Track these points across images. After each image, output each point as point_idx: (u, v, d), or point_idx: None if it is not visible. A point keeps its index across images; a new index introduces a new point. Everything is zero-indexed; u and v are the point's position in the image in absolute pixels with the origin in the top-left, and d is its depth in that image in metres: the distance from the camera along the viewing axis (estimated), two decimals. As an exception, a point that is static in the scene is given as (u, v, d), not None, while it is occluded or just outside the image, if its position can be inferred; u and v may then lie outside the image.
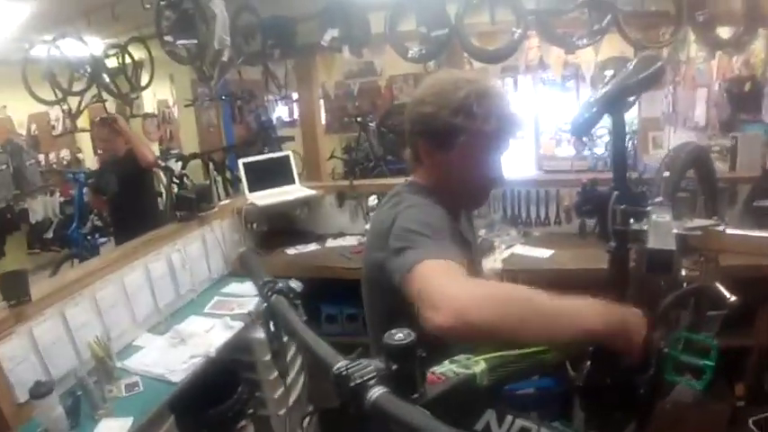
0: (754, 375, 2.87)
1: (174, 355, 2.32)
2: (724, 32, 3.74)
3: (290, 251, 3.32)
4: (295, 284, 1.01)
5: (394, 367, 0.68)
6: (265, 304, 0.97)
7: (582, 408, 1.35)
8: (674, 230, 1.05)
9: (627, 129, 5.64)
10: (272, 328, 0.95)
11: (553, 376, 2.61)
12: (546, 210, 3.25)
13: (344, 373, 0.67)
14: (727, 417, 2.83)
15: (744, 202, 2.95)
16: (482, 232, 3.01)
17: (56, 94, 4.73)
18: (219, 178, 5.47)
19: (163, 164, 5.28)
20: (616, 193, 1.24)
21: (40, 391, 1.84)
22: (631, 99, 1.26)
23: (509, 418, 0.89)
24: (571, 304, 0.96)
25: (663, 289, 1.37)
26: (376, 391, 0.64)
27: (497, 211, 3.29)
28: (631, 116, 6.70)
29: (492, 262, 2.75)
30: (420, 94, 1.30)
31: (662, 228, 1.07)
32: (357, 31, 3.92)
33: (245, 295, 2.85)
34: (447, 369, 0.80)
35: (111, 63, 4.90)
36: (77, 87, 4.83)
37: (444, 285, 0.94)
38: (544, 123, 8.69)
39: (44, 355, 2.08)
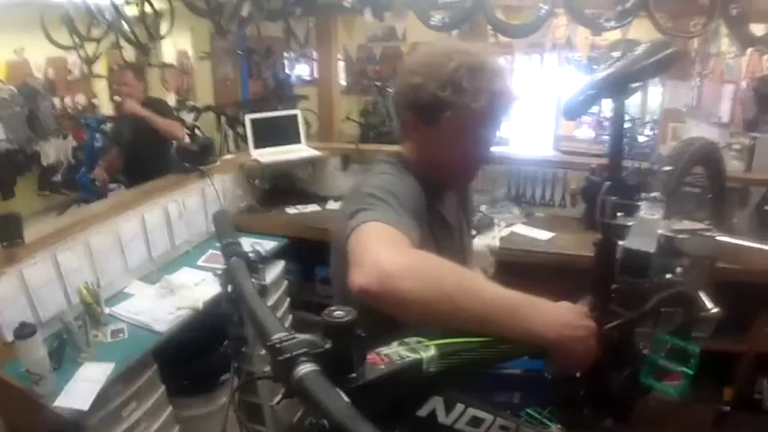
0: (744, 381, 2.84)
1: (161, 305, 2.34)
2: (758, 30, 3.61)
3: (290, 210, 3.29)
4: (260, 248, 0.99)
5: (327, 345, 0.65)
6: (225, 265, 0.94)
7: (549, 400, 1.31)
8: (659, 231, 0.99)
9: (649, 117, 5.56)
10: (229, 290, 0.92)
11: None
12: (552, 191, 3.19)
13: (278, 345, 0.65)
14: (711, 420, 2.81)
15: (756, 206, 2.87)
16: (483, 208, 2.97)
17: (73, 40, 4.71)
18: (231, 132, 5.45)
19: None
20: (608, 183, 1.19)
21: (23, 332, 1.86)
22: (636, 85, 1.19)
23: (459, 406, 0.85)
24: (519, 301, 0.90)
25: (649, 289, 1.31)
26: (304, 368, 0.61)
27: (501, 187, 3.23)
28: (654, 105, 6.57)
29: (490, 239, 2.72)
30: (410, 63, 1.23)
31: (646, 226, 1.01)
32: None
33: (240, 250, 2.84)
34: (393, 351, 0.77)
35: (131, 11, 4.86)
36: (96, 34, 4.80)
37: (377, 248, 0.90)
38: (566, 104, 8.53)
39: (34, 297, 2.11)
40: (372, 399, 0.70)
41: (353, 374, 0.69)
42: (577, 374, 1.27)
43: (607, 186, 1.17)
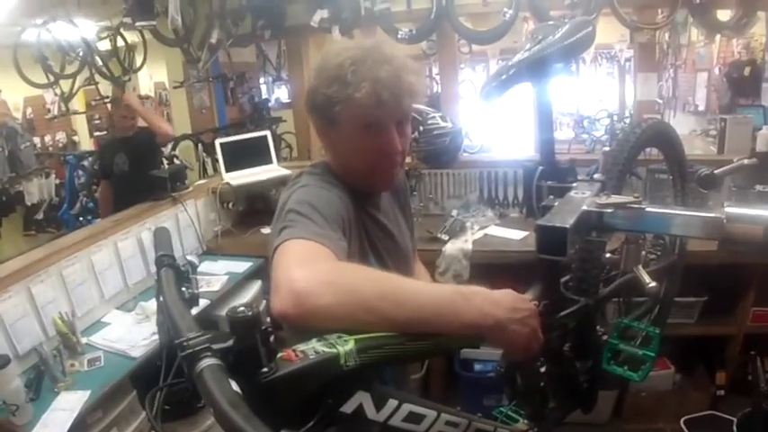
0: (735, 364, 2.84)
1: (137, 332, 2.35)
2: (723, 15, 3.67)
3: (265, 230, 3.27)
4: (192, 258, 0.99)
5: (230, 341, 0.66)
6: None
7: (507, 396, 1.29)
8: (584, 207, 0.98)
9: (628, 112, 5.53)
10: (161, 299, 0.92)
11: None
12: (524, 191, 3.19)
13: (184, 343, 0.65)
14: (707, 406, 2.81)
15: (728, 188, 2.88)
16: (454, 213, 2.98)
17: (47, 78, 4.73)
18: (209, 159, 5.46)
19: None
20: (540, 168, 1.19)
21: (-4, 363, 1.87)
22: (556, 67, 1.17)
23: (392, 402, 0.81)
24: (449, 296, 0.87)
25: (602, 276, 1.29)
26: (205, 363, 0.62)
27: (474, 191, 3.25)
28: (630, 100, 6.63)
29: (462, 243, 2.73)
30: (311, 69, 1.22)
31: (570, 203, 0.99)
32: (347, 11, 3.88)
33: (215, 274, 2.88)
34: (309, 347, 0.75)
35: (104, 46, 4.89)
36: (70, 70, 4.83)
37: (292, 268, 0.87)
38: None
39: (9, 330, 2.12)
40: (286, 394, 0.70)
41: (264, 369, 0.69)
42: (541, 368, 1.25)
43: (540, 171, 1.17)
